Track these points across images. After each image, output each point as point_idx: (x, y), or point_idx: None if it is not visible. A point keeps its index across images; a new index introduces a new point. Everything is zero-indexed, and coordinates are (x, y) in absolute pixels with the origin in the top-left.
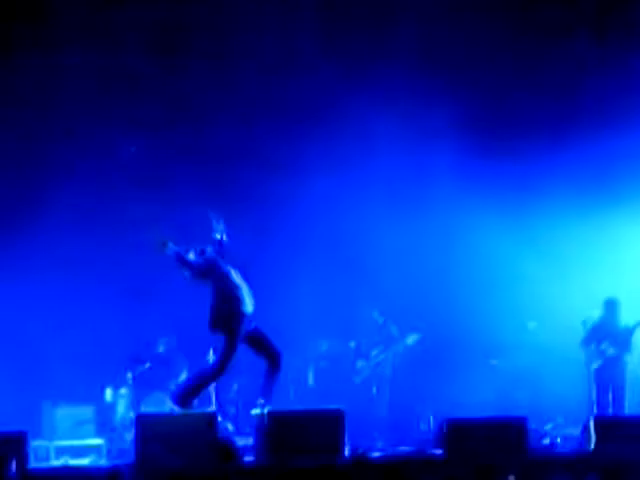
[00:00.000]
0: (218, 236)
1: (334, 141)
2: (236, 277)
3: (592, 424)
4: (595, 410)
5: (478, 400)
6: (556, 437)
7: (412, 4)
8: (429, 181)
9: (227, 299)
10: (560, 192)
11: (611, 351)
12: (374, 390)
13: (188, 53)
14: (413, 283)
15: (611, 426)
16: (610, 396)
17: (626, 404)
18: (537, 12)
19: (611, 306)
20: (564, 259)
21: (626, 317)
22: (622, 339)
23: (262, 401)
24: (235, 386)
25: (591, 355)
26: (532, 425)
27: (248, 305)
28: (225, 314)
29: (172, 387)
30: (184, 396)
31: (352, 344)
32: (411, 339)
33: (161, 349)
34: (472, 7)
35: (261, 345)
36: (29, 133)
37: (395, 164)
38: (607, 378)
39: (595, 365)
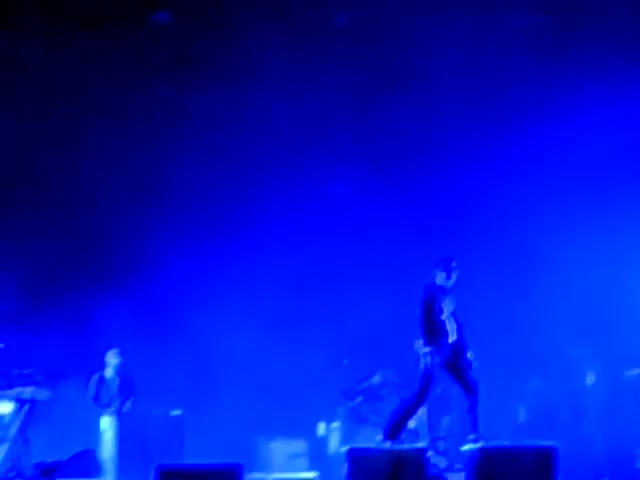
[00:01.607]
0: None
1: None
2: (447, 310)
3: None
4: None
5: None
6: None
7: None
8: None
9: (435, 330)
10: None
11: None
12: (586, 427)
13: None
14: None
15: None
16: None
17: None
18: None
19: None
20: None
21: None
22: None
23: (473, 436)
24: (446, 421)
25: None
26: None
27: (450, 336)
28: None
29: (383, 422)
30: (392, 430)
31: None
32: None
33: (376, 381)
34: None
35: (459, 374)
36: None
37: None
38: None
39: None
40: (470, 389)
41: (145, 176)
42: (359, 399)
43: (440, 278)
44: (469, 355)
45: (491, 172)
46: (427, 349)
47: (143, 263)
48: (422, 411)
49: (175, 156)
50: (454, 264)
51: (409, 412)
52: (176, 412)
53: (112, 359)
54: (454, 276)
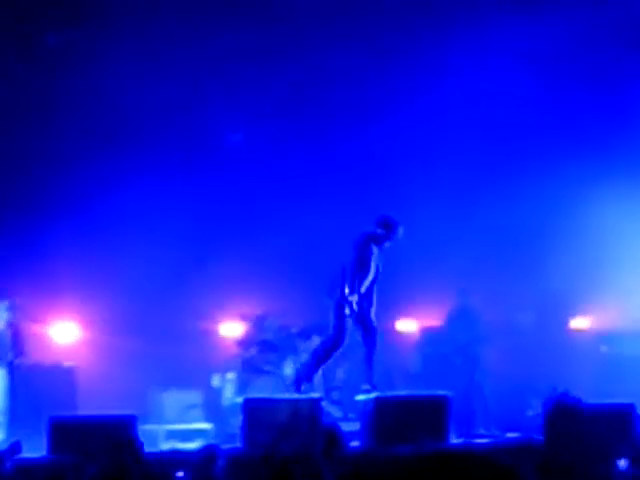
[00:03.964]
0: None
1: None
2: (374, 263)
3: None
4: None
5: (586, 387)
6: None
7: None
8: None
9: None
10: None
11: None
12: (478, 376)
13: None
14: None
15: None
16: None
17: None
18: None
19: None
20: None
21: None
22: None
23: (367, 387)
24: (341, 371)
25: None
26: None
27: (364, 286)
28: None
29: (278, 372)
30: (303, 378)
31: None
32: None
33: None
34: None
35: (363, 320)
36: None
37: None
38: None
39: None
40: (370, 336)
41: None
42: (253, 350)
43: (379, 233)
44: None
45: (393, 117)
46: (354, 297)
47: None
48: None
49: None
50: (401, 231)
51: (322, 359)
52: (68, 364)
53: (1, 312)
54: (393, 242)
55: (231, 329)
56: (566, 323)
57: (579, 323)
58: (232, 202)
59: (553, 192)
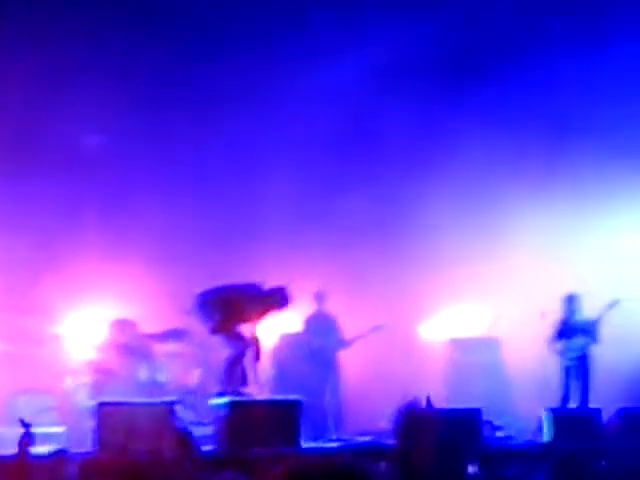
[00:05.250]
0: None
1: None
2: None
3: (546, 417)
4: (562, 404)
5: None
6: (511, 429)
7: None
8: None
9: None
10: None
11: (581, 344)
12: (332, 381)
13: None
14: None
15: (564, 419)
16: (578, 389)
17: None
18: None
19: (572, 300)
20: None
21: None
22: (590, 332)
23: (219, 390)
24: (195, 375)
25: (563, 350)
26: (487, 417)
27: None
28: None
29: (135, 375)
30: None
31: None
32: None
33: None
34: None
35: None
36: None
37: None
38: (577, 372)
39: (570, 357)
40: (236, 340)
41: None
42: (108, 353)
43: None
44: None
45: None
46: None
47: None
48: (173, 365)
49: None
50: None
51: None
52: None
53: None
54: None
55: (86, 332)
56: (417, 329)
57: (431, 329)
58: (90, 203)
59: (404, 193)
